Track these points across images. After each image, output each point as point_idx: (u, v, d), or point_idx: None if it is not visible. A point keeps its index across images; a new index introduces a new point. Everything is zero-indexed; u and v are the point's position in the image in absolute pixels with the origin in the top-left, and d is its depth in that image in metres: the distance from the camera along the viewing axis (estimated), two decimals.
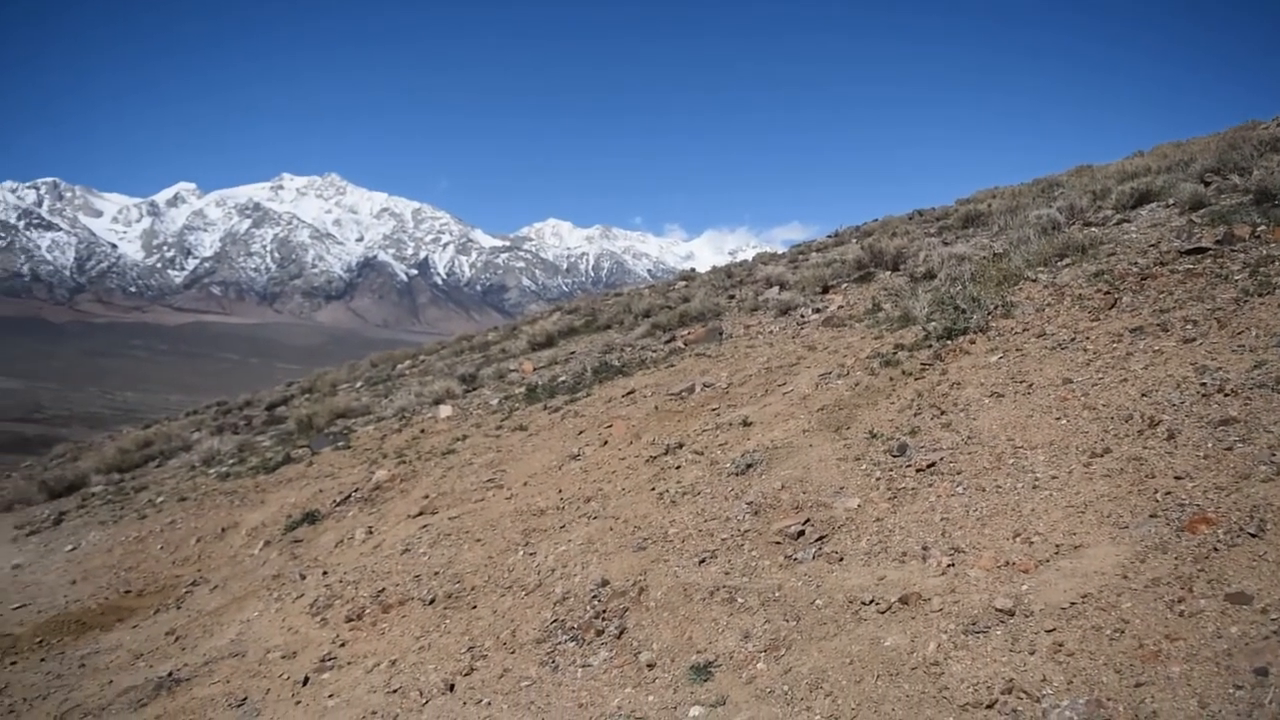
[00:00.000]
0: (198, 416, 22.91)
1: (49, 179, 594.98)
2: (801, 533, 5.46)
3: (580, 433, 9.47)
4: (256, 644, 6.75)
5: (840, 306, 11.42)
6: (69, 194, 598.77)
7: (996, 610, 4.08)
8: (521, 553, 6.65)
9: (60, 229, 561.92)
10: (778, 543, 5.47)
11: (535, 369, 14.37)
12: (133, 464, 16.25)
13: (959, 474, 5.46)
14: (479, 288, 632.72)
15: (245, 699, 5.84)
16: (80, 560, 10.44)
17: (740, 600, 4.99)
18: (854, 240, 18.61)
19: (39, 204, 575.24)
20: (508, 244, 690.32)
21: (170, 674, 6.51)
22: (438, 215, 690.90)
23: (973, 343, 7.48)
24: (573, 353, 14.88)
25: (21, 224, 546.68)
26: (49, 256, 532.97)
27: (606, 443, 8.75)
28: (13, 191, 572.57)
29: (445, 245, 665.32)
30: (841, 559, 5.06)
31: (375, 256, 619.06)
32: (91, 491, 14.35)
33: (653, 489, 6.96)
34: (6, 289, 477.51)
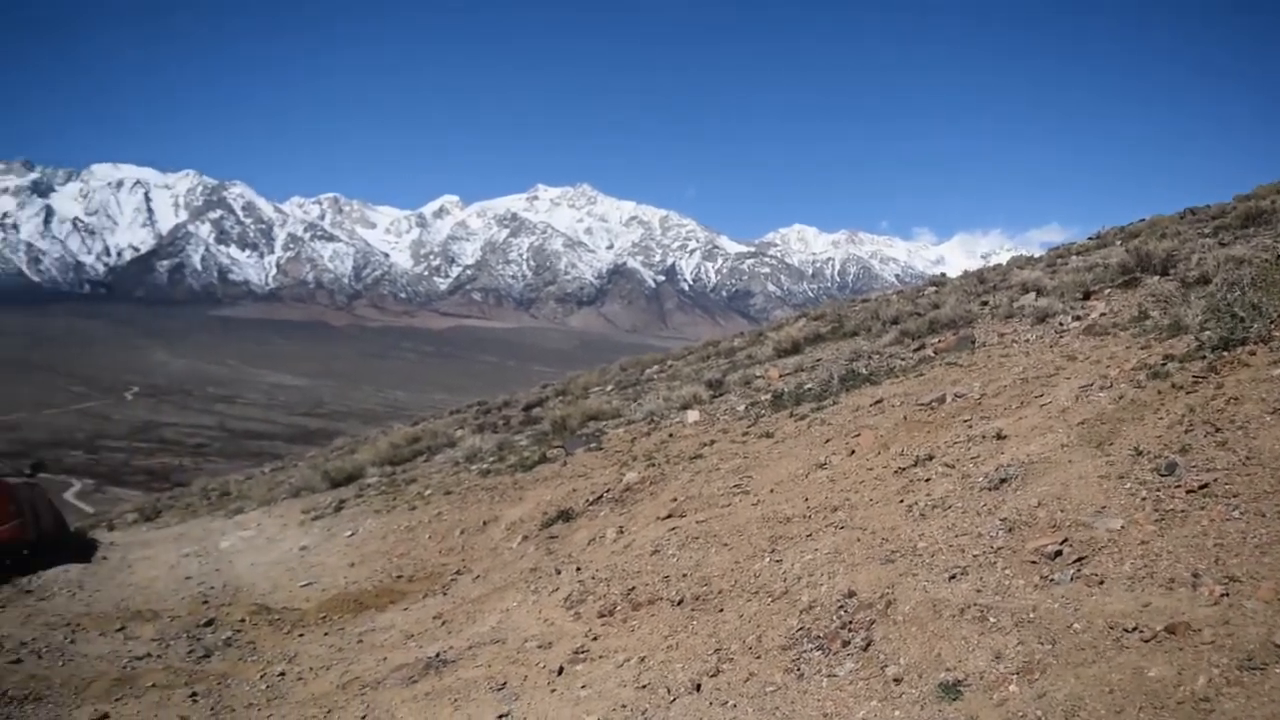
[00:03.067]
0: (460, 415, 24.39)
1: (330, 194, 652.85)
2: (1059, 553, 5.25)
3: (827, 441, 9.43)
4: (515, 633, 7.14)
5: (1102, 314, 10.84)
6: (347, 208, 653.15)
7: (1276, 646, 3.81)
8: (768, 559, 6.71)
9: (340, 240, 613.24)
10: (1033, 562, 5.29)
11: (781, 376, 14.39)
12: (403, 458, 17.50)
13: (1235, 496, 5.07)
14: (724, 294, 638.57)
15: (505, 684, 6.19)
16: (358, 545, 11.33)
17: (992, 619, 4.86)
18: (1118, 242, 17.58)
19: (322, 218, 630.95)
20: (753, 250, 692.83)
21: (438, 655, 6.96)
22: (684, 222, 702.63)
23: (1253, 354, 6.89)
24: (819, 360, 14.80)
25: (307, 236, 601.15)
26: (330, 266, 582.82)
27: (853, 452, 8.68)
28: (300, 206, 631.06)
29: (692, 252, 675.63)
30: (1102, 582, 4.84)
31: (624, 264, 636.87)
32: (367, 482, 15.53)
33: (901, 501, 6.85)
34: (295, 295, 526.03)
